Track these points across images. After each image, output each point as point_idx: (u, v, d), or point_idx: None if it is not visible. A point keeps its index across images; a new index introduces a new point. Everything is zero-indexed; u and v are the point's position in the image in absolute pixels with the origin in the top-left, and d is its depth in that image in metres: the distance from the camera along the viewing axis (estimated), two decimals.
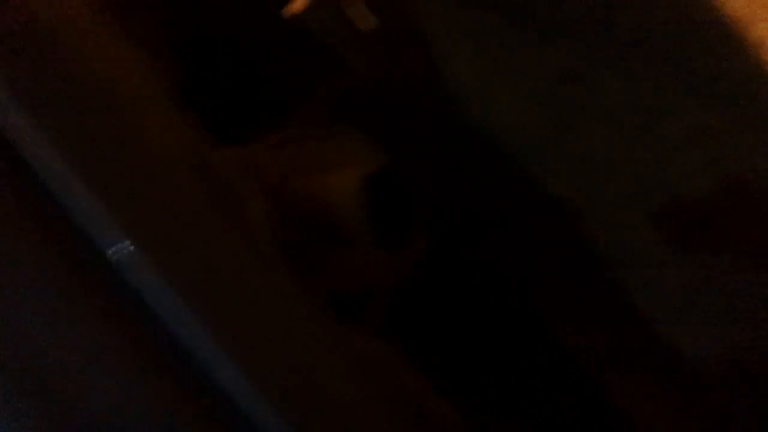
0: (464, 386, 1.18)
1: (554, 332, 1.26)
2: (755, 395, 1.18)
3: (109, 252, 0.55)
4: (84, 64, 0.61)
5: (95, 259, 0.55)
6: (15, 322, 0.54)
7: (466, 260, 1.26)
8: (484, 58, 1.17)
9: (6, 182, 0.54)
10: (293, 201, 0.84)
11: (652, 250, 1.19)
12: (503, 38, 1.13)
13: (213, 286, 0.62)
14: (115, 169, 0.59)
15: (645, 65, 1.01)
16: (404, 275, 1.02)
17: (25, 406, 0.54)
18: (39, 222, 0.56)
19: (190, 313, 0.56)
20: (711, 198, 1.08)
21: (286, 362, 0.64)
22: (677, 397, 1.26)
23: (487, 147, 1.24)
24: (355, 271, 0.87)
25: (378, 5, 1.26)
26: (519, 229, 1.28)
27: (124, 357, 0.56)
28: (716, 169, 1.06)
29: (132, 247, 0.55)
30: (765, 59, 0.88)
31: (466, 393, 1.15)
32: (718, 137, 1.02)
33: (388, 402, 0.75)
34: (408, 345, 1.11)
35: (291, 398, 0.61)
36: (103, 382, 0.55)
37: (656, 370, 1.29)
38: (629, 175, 1.14)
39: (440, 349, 1.19)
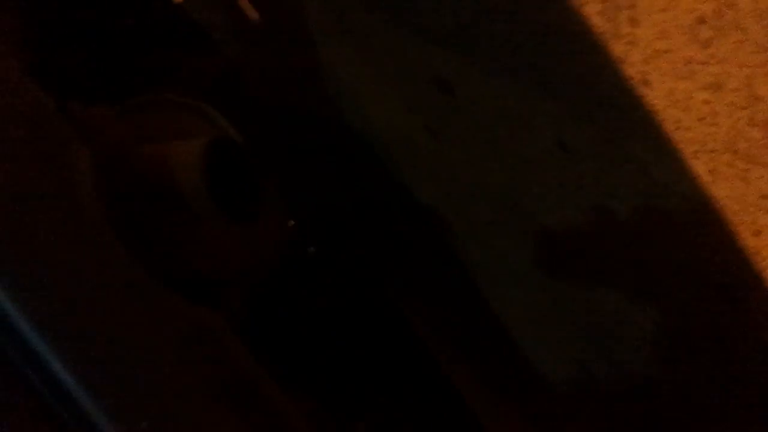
0: (319, 381, 1.15)
1: (416, 336, 1.24)
2: (608, 419, 1.18)
3: None
4: None
5: None
6: None
7: (332, 257, 1.23)
8: (365, 61, 1.15)
9: None
10: (132, 168, 0.79)
11: (518, 269, 1.18)
12: (385, 42, 1.11)
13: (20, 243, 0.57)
14: None
15: (515, 78, 1.00)
16: (263, 257, 0.98)
17: None
18: None
19: None
20: (581, 224, 1.07)
21: (96, 331, 0.59)
22: (532, 417, 1.25)
23: (362, 149, 1.22)
24: (200, 246, 0.82)
25: (266, 2, 1.24)
26: (387, 232, 1.26)
27: None
28: (585, 193, 1.06)
29: None
30: (626, 71, 0.88)
31: (319, 389, 1.13)
32: (584, 159, 1.02)
33: (219, 383, 0.71)
34: (264, 335, 1.07)
35: (102, 368, 0.57)
36: None
37: (516, 388, 1.28)
38: (497, 191, 1.13)
39: (298, 343, 1.16)
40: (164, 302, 0.75)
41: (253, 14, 1.22)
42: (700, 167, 0.85)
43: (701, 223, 0.91)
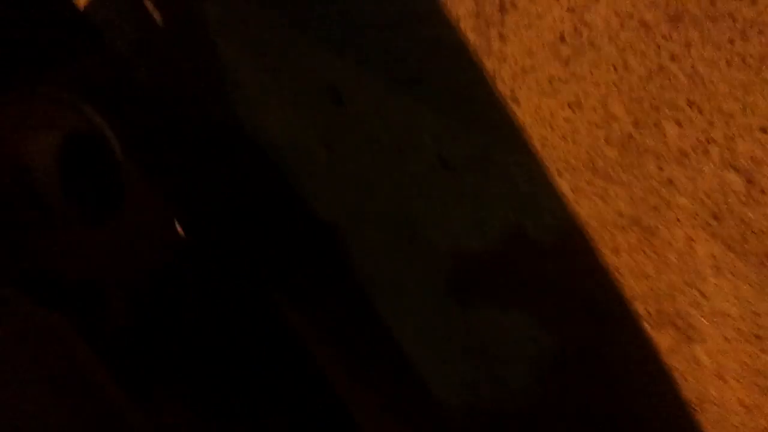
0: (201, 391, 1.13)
1: (307, 352, 1.24)
2: None
3: None
4: None
5: None
6: None
7: (223, 265, 1.22)
8: (263, 66, 1.16)
9: None
10: None
11: (411, 290, 1.19)
12: (281, 47, 1.12)
13: None
14: None
15: (401, 90, 1.02)
16: (130, 257, 0.96)
17: None
18: None
19: None
20: (464, 246, 1.09)
21: None
22: None
23: (260, 156, 1.22)
24: (55, 245, 0.80)
25: (164, 3, 1.24)
26: (284, 245, 1.25)
27: None
28: (464, 212, 1.07)
29: None
30: (498, 88, 0.91)
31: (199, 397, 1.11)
32: (463, 175, 1.04)
33: (52, 377, 0.69)
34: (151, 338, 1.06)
35: None
36: None
37: (410, 411, 1.28)
38: (389, 208, 1.14)
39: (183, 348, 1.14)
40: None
41: (155, 15, 1.22)
42: (564, 185, 0.88)
43: (568, 241, 0.93)
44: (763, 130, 0.67)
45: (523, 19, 0.79)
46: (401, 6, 0.93)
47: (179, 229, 1.23)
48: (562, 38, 0.77)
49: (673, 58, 0.69)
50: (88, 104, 0.86)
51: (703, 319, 0.84)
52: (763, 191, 0.71)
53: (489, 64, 0.87)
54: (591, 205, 0.86)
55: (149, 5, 1.27)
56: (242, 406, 1.18)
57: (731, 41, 0.65)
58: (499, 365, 1.14)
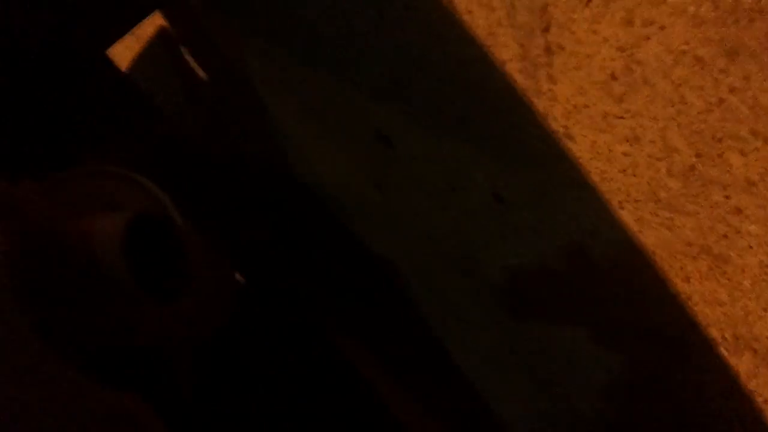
0: None
1: (374, 390, 1.24)
2: None
3: None
4: None
5: None
6: None
7: (285, 311, 1.23)
8: (308, 116, 1.17)
9: None
10: (60, 243, 0.79)
11: (472, 319, 1.19)
12: (326, 97, 1.14)
13: None
14: None
15: (449, 133, 1.02)
16: (193, 327, 0.98)
17: None
18: None
19: None
20: (527, 274, 1.09)
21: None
22: None
23: (313, 203, 1.23)
24: (124, 322, 0.82)
25: (207, 60, 1.26)
26: (343, 285, 1.26)
27: None
28: (524, 243, 1.07)
29: None
30: (550, 126, 0.90)
31: None
32: (519, 210, 1.04)
33: None
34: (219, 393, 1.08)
35: None
36: None
37: (469, 427, 1.28)
38: (444, 242, 1.14)
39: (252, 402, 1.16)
40: (78, 389, 0.74)
41: (200, 74, 1.24)
42: (627, 216, 0.87)
43: (635, 271, 0.92)
44: None
45: (571, 59, 0.78)
46: (444, 51, 0.93)
47: (239, 276, 1.25)
48: (614, 76, 0.76)
49: (732, 90, 0.68)
50: (152, 182, 0.87)
51: None
52: None
53: (539, 104, 0.86)
54: (657, 235, 0.85)
55: (192, 63, 1.29)
56: None
57: None
58: (569, 394, 1.13)
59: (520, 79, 0.87)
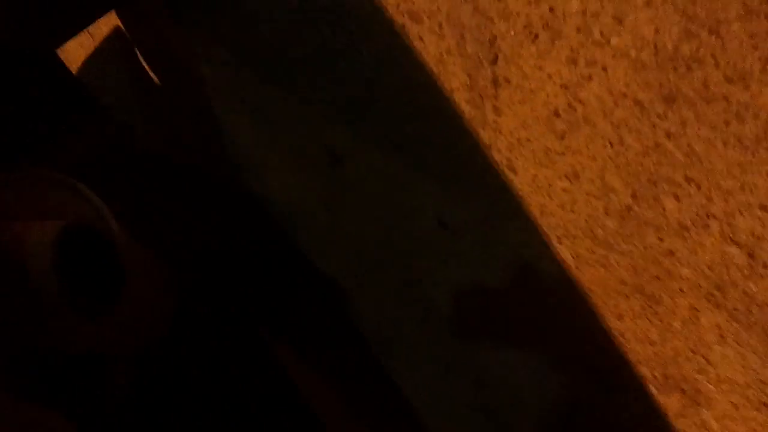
0: None
1: (311, 406, 1.24)
2: None
3: None
4: None
5: None
6: None
7: (224, 323, 1.22)
8: (261, 130, 1.16)
9: None
10: None
11: (414, 340, 1.19)
12: (279, 113, 1.13)
13: None
14: None
15: (399, 156, 1.02)
16: (129, 337, 0.96)
17: None
18: None
19: None
20: (487, 303, 1.09)
21: None
22: None
23: (261, 215, 1.23)
24: (51, 337, 0.80)
25: (161, 65, 1.24)
26: (286, 299, 1.26)
27: None
28: (465, 271, 1.08)
29: None
30: (494, 157, 0.91)
31: None
32: (462, 238, 1.04)
33: None
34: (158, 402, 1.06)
35: None
36: None
37: None
38: (389, 265, 1.14)
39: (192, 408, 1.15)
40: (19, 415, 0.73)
41: (154, 78, 1.23)
42: (564, 252, 0.88)
43: (572, 304, 0.93)
44: (763, 208, 0.67)
45: (516, 93, 0.79)
46: (398, 75, 0.93)
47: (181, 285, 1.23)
48: (557, 113, 0.77)
49: (668, 135, 0.70)
50: (91, 190, 0.86)
51: (710, 385, 0.84)
52: (765, 266, 0.71)
53: (485, 135, 0.87)
54: (593, 271, 0.86)
55: (146, 70, 1.28)
56: None
57: (726, 123, 0.65)
58: (508, 419, 1.13)
59: (467, 109, 0.87)
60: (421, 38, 0.85)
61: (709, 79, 0.64)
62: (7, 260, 0.73)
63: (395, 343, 1.23)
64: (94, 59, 1.34)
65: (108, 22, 1.41)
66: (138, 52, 1.39)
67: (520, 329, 1.05)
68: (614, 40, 0.68)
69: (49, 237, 0.72)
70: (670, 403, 0.89)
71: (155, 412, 1.12)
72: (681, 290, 0.78)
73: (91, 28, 1.41)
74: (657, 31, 0.65)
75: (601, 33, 0.69)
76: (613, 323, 0.89)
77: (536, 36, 0.73)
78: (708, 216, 0.72)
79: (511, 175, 0.87)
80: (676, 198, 0.73)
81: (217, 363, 1.22)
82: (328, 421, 1.28)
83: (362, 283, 1.21)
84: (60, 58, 1.20)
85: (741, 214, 0.69)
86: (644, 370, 0.90)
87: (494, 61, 0.79)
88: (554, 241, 0.88)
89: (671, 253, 0.77)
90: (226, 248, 1.28)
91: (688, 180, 0.71)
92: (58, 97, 1.11)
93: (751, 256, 0.71)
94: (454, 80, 0.84)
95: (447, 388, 1.22)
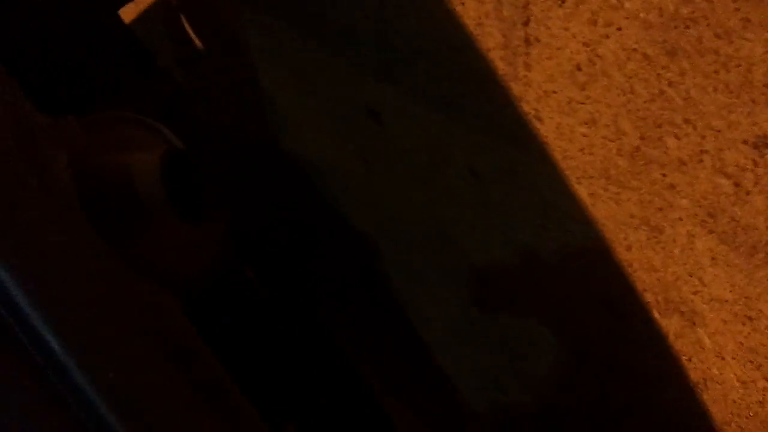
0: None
1: (348, 357, 1.44)
2: None
3: None
4: None
5: None
6: None
7: (267, 278, 1.43)
8: (301, 89, 1.38)
9: None
10: (97, 175, 1.01)
11: (441, 297, 1.41)
12: (321, 71, 1.35)
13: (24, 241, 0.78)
14: None
15: (434, 111, 1.25)
16: (207, 257, 1.18)
17: None
18: None
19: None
20: (510, 247, 1.31)
21: (86, 310, 0.79)
22: None
23: (297, 174, 1.45)
24: (160, 245, 1.03)
25: (205, 28, 1.47)
26: (320, 256, 1.47)
27: None
28: (492, 215, 1.30)
29: None
30: (523, 108, 1.14)
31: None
32: (491, 184, 1.27)
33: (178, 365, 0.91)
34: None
35: (87, 340, 0.77)
36: None
37: (441, 415, 1.50)
38: (421, 217, 1.37)
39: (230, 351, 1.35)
40: (140, 287, 0.95)
41: (196, 42, 1.45)
42: (582, 191, 1.11)
43: (588, 241, 1.16)
44: (745, 142, 0.90)
45: (545, 50, 1.02)
46: (437, 37, 1.16)
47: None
48: (579, 67, 1.00)
49: (670, 84, 0.93)
50: (168, 129, 1.09)
51: (704, 304, 1.07)
52: (748, 193, 0.94)
53: (516, 88, 1.10)
54: (606, 208, 1.09)
55: (190, 34, 1.50)
56: (283, 412, 1.39)
57: (716, 72, 0.88)
58: (521, 360, 1.35)
59: (501, 66, 1.10)
60: (462, 3, 1.08)
61: (702, 35, 0.87)
62: (120, 184, 0.95)
63: (421, 295, 1.46)
64: (139, 24, 1.57)
65: None
66: (183, 17, 1.62)
67: (539, 272, 1.28)
68: (627, 4, 0.91)
69: (155, 158, 0.95)
70: (670, 325, 1.12)
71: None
72: (680, 219, 1.02)
73: None
74: None
75: None
76: (623, 255, 1.12)
77: (563, 1, 0.96)
78: (702, 152, 0.95)
79: (537, 125, 1.10)
80: (677, 137, 0.96)
81: (259, 321, 1.43)
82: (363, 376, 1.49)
83: (394, 239, 1.43)
84: (122, 20, 1.43)
85: (728, 149, 0.92)
86: (649, 297, 1.13)
87: (526, 23, 1.03)
88: (573, 182, 1.11)
89: (672, 186, 1.00)
90: (263, 206, 1.50)
91: (686, 121, 0.94)
92: (121, 53, 1.34)
93: (737, 185, 0.94)
94: (490, 40, 1.08)
95: (466, 339, 1.44)
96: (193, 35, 1.57)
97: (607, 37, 0.94)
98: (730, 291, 1.01)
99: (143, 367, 0.83)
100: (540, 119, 1.08)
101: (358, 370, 1.54)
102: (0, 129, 0.86)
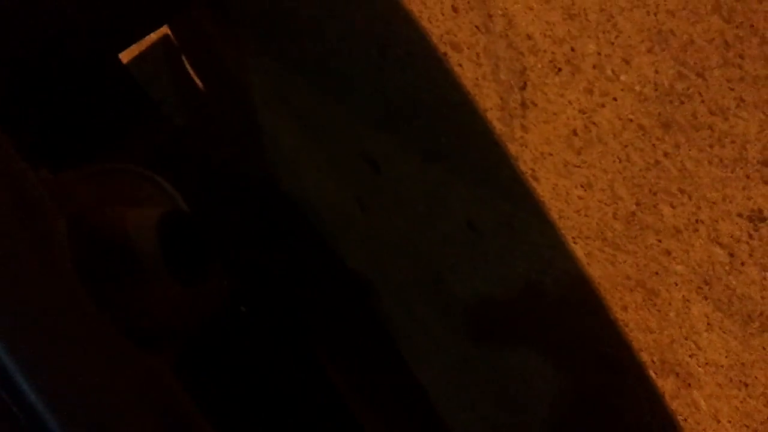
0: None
1: (340, 397, 1.48)
2: None
3: None
4: None
5: None
6: None
7: (262, 316, 1.47)
8: (303, 133, 1.43)
9: None
10: (94, 230, 1.05)
11: (437, 335, 1.45)
12: (321, 118, 1.40)
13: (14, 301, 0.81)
14: None
15: (433, 162, 1.29)
16: (200, 314, 1.22)
17: None
18: None
19: None
20: (492, 296, 1.36)
21: (78, 378, 0.83)
22: None
23: (296, 215, 1.49)
24: (151, 304, 1.07)
25: (207, 70, 1.52)
26: (317, 296, 1.52)
27: None
28: (490, 268, 1.35)
29: None
30: (520, 168, 1.18)
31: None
32: (488, 239, 1.31)
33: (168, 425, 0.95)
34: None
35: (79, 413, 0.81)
36: None
37: None
38: (419, 262, 1.41)
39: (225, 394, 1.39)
40: (127, 351, 0.99)
41: (198, 83, 1.50)
42: (578, 251, 1.15)
43: (583, 299, 1.20)
44: (740, 215, 0.94)
45: (541, 114, 1.07)
46: (436, 94, 1.20)
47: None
48: (575, 132, 1.04)
49: (666, 155, 0.97)
50: (169, 183, 1.13)
51: (699, 368, 1.11)
52: (743, 263, 0.98)
53: (512, 148, 1.14)
54: (602, 268, 1.13)
55: (192, 75, 1.55)
56: None
57: (711, 146, 0.92)
58: (520, 409, 1.39)
59: (497, 126, 1.15)
60: (460, 65, 1.12)
61: (696, 111, 0.91)
62: (115, 238, 0.99)
63: (419, 337, 1.50)
64: (142, 64, 1.61)
65: (157, 30, 1.68)
66: (185, 59, 1.67)
67: (535, 322, 1.32)
68: (623, 77, 0.95)
69: (152, 217, 0.99)
70: (666, 385, 1.16)
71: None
72: (676, 284, 1.06)
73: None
74: (656, 71, 0.92)
75: (612, 71, 0.96)
76: (619, 314, 1.16)
77: (559, 69, 1.01)
78: (697, 221, 0.99)
79: (534, 184, 1.14)
80: (672, 206, 1.00)
81: (253, 358, 1.47)
82: (354, 412, 1.54)
83: (391, 280, 1.48)
84: (123, 64, 1.47)
85: (723, 220, 0.96)
86: (645, 356, 1.17)
87: (523, 87, 1.07)
88: (569, 241, 1.15)
89: (668, 252, 1.04)
90: (262, 246, 1.54)
91: (681, 191, 0.98)
92: (121, 100, 1.38)
93: (731, 255, 0.98)
94: (487, 101, 1.12)
95: (463, 380, 1.48)
96: (194, 76, 1.62)
97: (603, 106, 0.98)
98: (726, 356, 1.05)
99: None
100: (537, 179, 1.12)
101: (349, 408, 1.58)
102: None
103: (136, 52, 1.69)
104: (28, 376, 0.79)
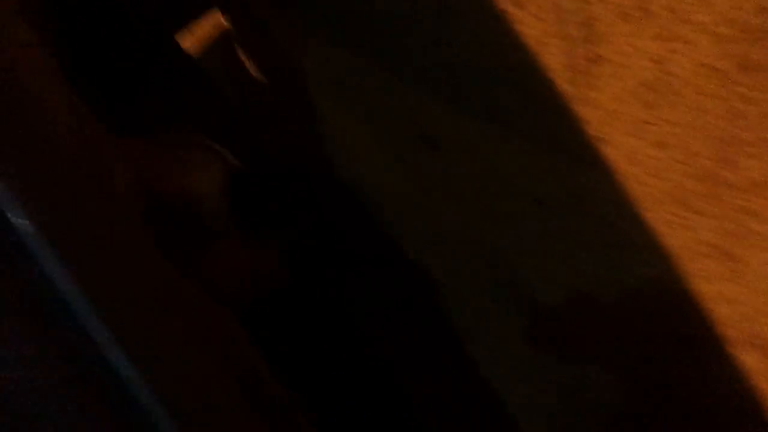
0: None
1: (406, 395, 1.48)
2: None
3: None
4: None
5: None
6: None
7: (322, 307, 1.48)
8: (359, 116, 1.43)
9: None
10: (164, 193, 1.08)
11: (503, 335, 1.43)
12: (380, 96, 1.40)
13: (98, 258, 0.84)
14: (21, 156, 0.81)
15: (495, 134, 1.29)
16: (263, 283, 1.24)
17: None
18: None
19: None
20: (564, 307, 1.34)
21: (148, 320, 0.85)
22: None
23: (353, 202, 1.49)
24: (220, 267, 1.09)
25: (265, 59, 1.54)
26: (376, 288, 1.51)
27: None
28: (561, 247, 1.33)
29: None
30: (588, 131, 1.17)
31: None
32: (556, 214, 1.29)
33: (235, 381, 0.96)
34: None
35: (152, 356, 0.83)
36: None
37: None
38: (483, 249, 1.40)
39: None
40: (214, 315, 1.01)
41: (252, 68, 1.52)
42: (653, 219, 1.13)
43: (661, 270, 1.18)
44: None
45: (610, 69, 1.06)
46: (496, 56, 1.20)
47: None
48: (646, 85, 1.03)
49: (744, 100, 0.95)
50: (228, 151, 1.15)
51: None
52: None
53: (580, 109, 1.13)
54: (679, 235, 1.11)
55: (243, 60, 1.57)
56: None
57: None
58: (591, 415, 1.36)
59: (563, 85, 1.14)
60: (522, 22, 1.12)
61: None
62: (184, 203, 1.02)
63: (480, 332, 1.48)
64: (193, 50, 1.64)
65: (208, 16, 1.71)
66: (236, 44, 1.69)
67: (605, 309, 1.30)
68: (695, 17, 0.94)
69: (218, 178, 1.01)
70: (749, 360, 1.13)
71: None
72: (759, 246, 1.03)
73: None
74: (733, 7, 0.91)
75: (685, 11, 0.95)
76: (701, 285, 1.14)
77: (628, 15, 1.00)
78: None
79: (604, 148, 1.13)
80: (752, 158, 0.98)
81: (306, 332, 1.47)
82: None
83: (450, 267, 1.46)
84: (180, 44, 1.50)
85: None
86: (728, 331, 1.14)
87: (590, 41, 1.06)
88: (644, 210, 1.13)
89: (749, 210, 1.02)
90: (317, 236, 1.55)
91: (762, 140, 0.96)
92: (183, 75, 1.41)
93: None
94: (552, 59, 1.11)
95: (527, 376, 1.46)
96: (250, 63, 1.64)
97: (675, 52, 0.96)
98: None
99: (206, 384, 0.88)
100: (607, 142, 1.11)
101: (409, 400, 1.57)
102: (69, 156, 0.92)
103: (193, 40, 1.72)
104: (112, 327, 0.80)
